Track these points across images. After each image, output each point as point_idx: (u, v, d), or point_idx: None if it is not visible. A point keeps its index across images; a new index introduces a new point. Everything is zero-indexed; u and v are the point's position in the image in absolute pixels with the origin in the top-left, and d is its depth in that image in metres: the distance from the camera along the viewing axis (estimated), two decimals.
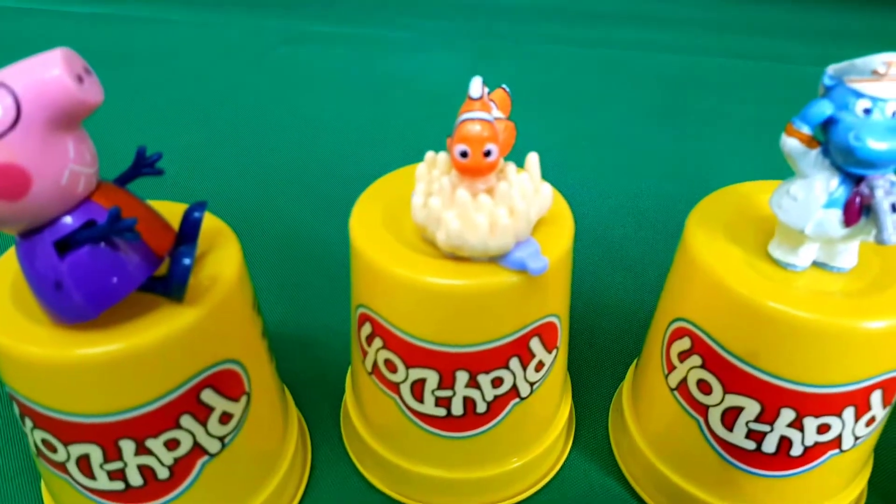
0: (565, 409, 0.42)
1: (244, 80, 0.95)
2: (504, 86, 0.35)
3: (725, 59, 1.03)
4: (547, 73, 0.98)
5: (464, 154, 0.30)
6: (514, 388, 0.36)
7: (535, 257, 0.32)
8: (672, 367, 0.37)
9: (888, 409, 0.34)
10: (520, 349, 0.35)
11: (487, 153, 0.30)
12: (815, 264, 0.33)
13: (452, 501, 0.41)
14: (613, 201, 0.69)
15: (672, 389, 0.37)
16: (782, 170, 0.33)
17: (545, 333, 0.36)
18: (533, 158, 0.34)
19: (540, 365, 0.36)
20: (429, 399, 0.36)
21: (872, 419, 0.33)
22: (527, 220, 0.32)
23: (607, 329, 0.53)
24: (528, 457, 0.40)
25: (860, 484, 0.38)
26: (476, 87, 0.31)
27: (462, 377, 0.35)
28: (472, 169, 0.31)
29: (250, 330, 0.36)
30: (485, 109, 0.31)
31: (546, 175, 0.34)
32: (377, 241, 0.34)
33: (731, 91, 0.93)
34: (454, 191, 0.32)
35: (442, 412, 0.36)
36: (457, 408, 0.36)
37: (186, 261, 0.30)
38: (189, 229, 0.32)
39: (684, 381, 0.36)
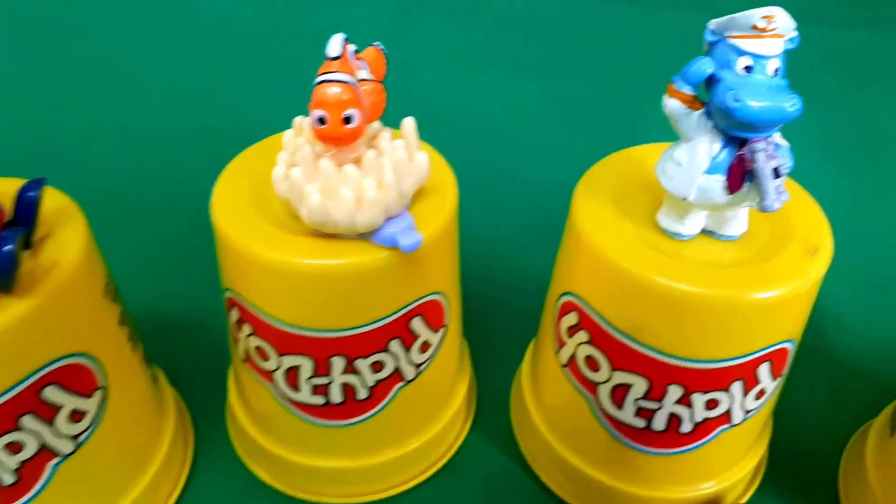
0: (461, 389, 0.41)
1: (115, 31, 0.85)
2: (377, 43, 0.32)
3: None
4: (484, 31, 0.90)
5: (321, 120, 0.28)
6: (398, 371, 0.34)
7: (407, 233, 0.29)
8: (562, 343, 0.35)
9: (779, 380, 0.33)
10: (400, 330, 0.33)
11: (348, 119, 0.28)
12: (704, 232, 0.32)
13: (342, 490, 0.38)
14: (558, 170, 0.65)
15: (563, 366, 0.35)
16: None
17: (428, 312, 0.33)
18: (409, 124, 0.31)
19: (425, 346, 0.34)
20: (305, 387, 0.33)
21: (762, 392, 0.32)
22: (398, 192, 0.29)
23: (527, 304, 0.51)
24: (419, 440, 0.38)
25: (756, 455, 0.37)
26: (335, 45, 0.28)
27: (338, 363, 0.32)
28: (331, 136, 0.28)
29: (102, 318, 0.32)
30: (345, 70, 0.28)
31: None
32: (239, 218, 0.31)
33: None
34: (318, 161, 0.29)
35: (320, 400, 0.34)
36: (335, 395, 0.34)
37: (7, 247, 0.27)
38: (23, 211, 0.29)
39: (573, 357, 0.34)
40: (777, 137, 0.29)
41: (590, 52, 0.85)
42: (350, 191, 0.28)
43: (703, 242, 0.31)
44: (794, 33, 0.28)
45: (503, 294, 0.51)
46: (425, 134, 0.32)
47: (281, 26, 0.88)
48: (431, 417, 0.39)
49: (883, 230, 0.57)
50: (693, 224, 0.31)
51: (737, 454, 0.36)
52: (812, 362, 0.46)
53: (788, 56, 0.28)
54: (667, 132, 0.30)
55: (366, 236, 0.30)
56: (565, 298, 0.34)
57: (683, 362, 0.31)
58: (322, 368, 0.32)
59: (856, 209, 0.59)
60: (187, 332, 0.48)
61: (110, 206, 0.53)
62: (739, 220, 0.31)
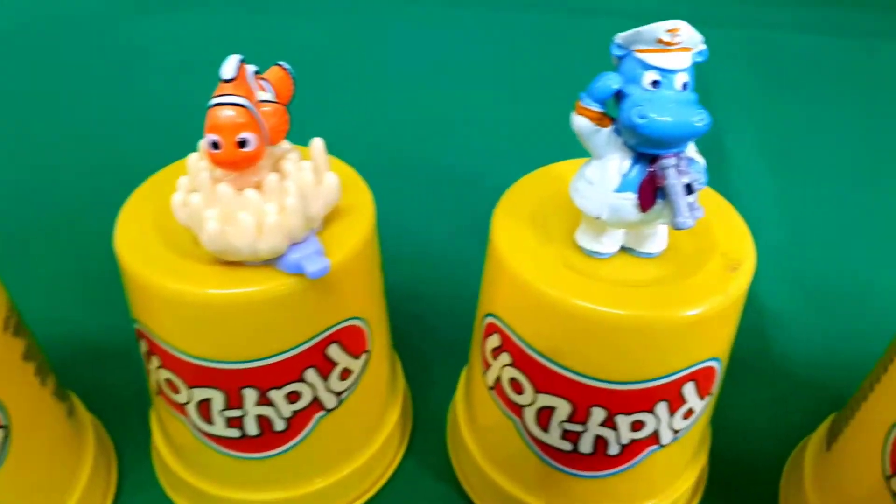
0: (393, 414, 0.39)
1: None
2: (282, 63, 0.31)
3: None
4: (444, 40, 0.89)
5: (215, 145, 0.26)
6: (316, 400, 0.33)
7: (313, 259, 0.28)
8: (488, 365, 0.34)
9: (708, 399, 0.32)
10: (315, 359, 0.31)
11: (242, 143, 0.26)
12: (624, 250, 0.31)
13: None
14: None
15: (490, 388, 0.34)
16: None
17: (346, 338, 0.32)
18: (317, 144, 0.30)
19: (346, 373, 0.33)
20: (218, 420, 0.32)
21: (690, 411, 0.32)
22: (303, 216, 0.28)
23: (468, 323, 0.50)
24: (347, 469, 0.37)
25: (694, 472, 0.37)
26: (229, 66, 0.27)
27: (251, 395, 0.31)
28: (226, 161, 0.27)
29: (2, 354, 0.31)
30: (240, 92, 0.27)
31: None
32: (142, 246, 0.30)
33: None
34: (216, 185, 0.28)
35: (236, 433, 0.33)
36: (251, 427, 0.32)
37: None
38: None
39: (499, 379, 0.33)
40: (692, 152, 0.28)
41: (540, 60, 0.84)
42: (250, 216, 0.27)
43: (622, 260, 0.30)
44: (703, 46, 0.27)
45: (442, 312, 0.50)
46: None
47: (210, 49, 0.87)
48: (361, 445, 0.37)
49: (826, 236, 0.57)
50: (611, 242, 0.30)
51: (672, 473, 0.35)
52: (754, 373, 0.45)
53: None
54: None
55: (271, 263, 0.29)
56: (488, 320, 0.33)
57: (604, 384, 0.30)
58: (234, 401, 0.31)
59: (799, 216, 0.59)
60: (112, 359, 0.46)
61: (9, 234, 0.52)
62: (659, 236, 0.30)
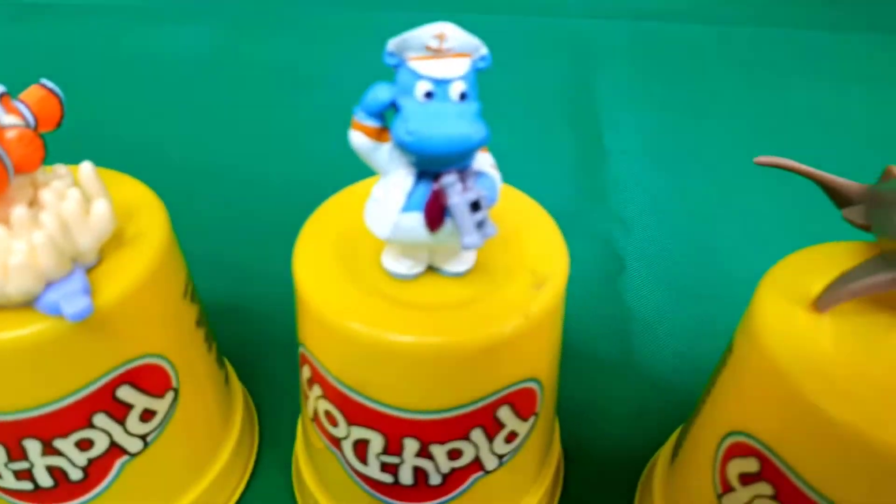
0: (226, 449, 0.37)
1: None
2: (44, 81, 0.28)
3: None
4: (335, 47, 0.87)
5: None
6: (114, 446, 0.30)
7: (72, 299, 0.26)
8: (306, 396, 0.32)
9: (532, 419, 0.31)
10: (104, 403, 0.29)
11: None
12: (432, 269, 0.29)
13: None
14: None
15: (311, 420, 0.32)
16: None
17: (143, 378, 0.30)
18: (86, 170, 0.28)
19: (148, 414, 0.31)
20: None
21: (513, 434, 0.30)
22: (58, 252, 0.26)
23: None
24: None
25: (535, 496, 0.35)
26: None
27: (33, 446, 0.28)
28: None
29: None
30: None
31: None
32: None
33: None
34: None
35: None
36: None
37: None
38: None
39: (316, 411, 0.31)
40: (487, 166, 0.27)
41: None
42: None
43: (428, 281, 0.28)
44: (484, 51, 0.25)
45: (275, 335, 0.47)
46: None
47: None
48: (188, 484, 0.35)
49: (704, 234, 0.56)
50: (413, 263, 0.28)
51: (508, 497, 0.34)
52: (618, 380, 0.44)
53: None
54: None
55: (29, 304, 0.26)
56: (300, 350, 0.31)
57: (412, 415, 0.28)
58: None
59: (679, 212, 0.58)
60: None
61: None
62: (465, 254, 0.28)
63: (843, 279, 0.26)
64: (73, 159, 0.30)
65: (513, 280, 0.28)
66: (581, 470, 0.39)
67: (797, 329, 0.26)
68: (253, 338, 0.46)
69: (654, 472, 0.36)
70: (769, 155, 0.31)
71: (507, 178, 0.62)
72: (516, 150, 0.63)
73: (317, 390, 0.30)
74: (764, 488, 0.27)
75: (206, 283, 0.42)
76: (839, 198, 0.30)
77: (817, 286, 0.27)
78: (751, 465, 0.27)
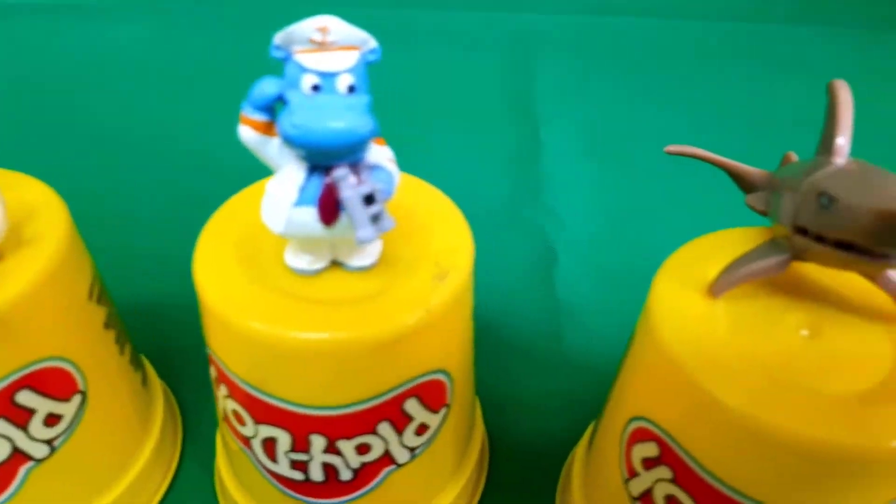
0: (143, 455, 0.36)
1: None
2: None
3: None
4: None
5: None
6: (17, 451, 0.29)
7: None
8: (216, 397, 0.31)
9: (444, 410, 0.31)
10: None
11: None
12: (337, 263, 0.29)
13: None
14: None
15: (223, 420, 0.32)
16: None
17: (44, 383, 0.29)
18: None
19: (53, 419, 0.30)
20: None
21: (424, 427, 0.30)
22: None
23: None
24: None
25: (455, 487, 0.35)
26: None
27: None
28: None
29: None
30: None
31: None
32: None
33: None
34: None
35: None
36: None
37: None
38: None
39: (225, 411, 0.31)
40: (384, 159, 0.27)
41: None
42: None
43: (332, 276, 0.28)
44: (374, 44, 0.25)
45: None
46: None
47: None
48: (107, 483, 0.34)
49: (639, 225, 0.56)
50: (316, 258, 0.28)
51: (427, 489, 0.34)
52: (546, 371, 0.44)
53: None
54: None
55: None
56: (207, 350, 0.30)
57: (316, 411, 0.28)
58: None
59: (614, 204, 0.58)
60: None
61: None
62: (368, 249, 0.28)
63: (736, 264, 0.26)
64: None
65: (417, 273, 0.28)
66: (508, 461, 0.40)
67: (692, 315, 0.26)
68: (175, 336, 0.45)
69: (574, 461, 0.36)
70: (693, 146, 0.32)
71: (444, 172, 0.62)
72: (453, 146, 0.63)
73: (223, 390, 0.30)
74: (664, 472, 0.27)
75: (125, 282, 0.41)
76: (745, 184, 0.31)
77: (714, 272, 0.27)
78: (651, 450, 0.27)
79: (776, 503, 0.24)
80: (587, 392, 0.43)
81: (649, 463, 0.28)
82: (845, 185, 0.22)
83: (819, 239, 0.23)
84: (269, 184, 0.26)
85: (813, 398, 0.23)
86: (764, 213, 0.28)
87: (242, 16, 0.86)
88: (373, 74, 0.26)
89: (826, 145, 0.25)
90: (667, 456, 0.27)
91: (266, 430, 0.29)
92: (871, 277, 0.25)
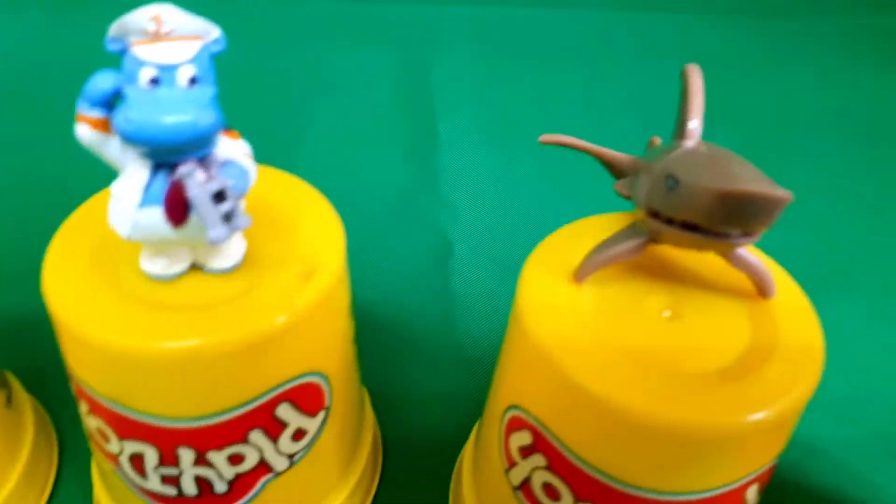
0: (13, 473, 0.34)
1: None
2: None
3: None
4: None
5: None
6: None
7: None
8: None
9: (323, 413, 0.30)
10: None
11: None
12: (197, 266, 0.27)
13: None
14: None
15: (90, 438, 0.30)
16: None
17: None
18: None
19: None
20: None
21: (301, 432, 0.29)
22: None
23: None
24: None
25: (345, 489, 0.34)
26: None
27: None
28: None
29: None
30: None
31: None
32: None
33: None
34: None
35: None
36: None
37: None
38: None
39: (89, 428, 0.29)
40: (237, 154, 0.25)
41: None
42: None
43: (193, 280, 0.27)
44: (217, 33, 0.24)
45: None
46: None
47: None
48: None
49: (538, 214, 0.57)
50: (172, 262, 0.26)
51: (312, 495, 0.33)
52: (437, 365, 0.44)
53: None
54: None
55: None
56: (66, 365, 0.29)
57: (180, 423, 0.26)
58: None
59: (514, 194, 0.58)
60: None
61: None
62: (229, 249, 0.27)
63: (597, 249, 0.26)
64: None
65: (283, 272, 0.27)
66: (403, 458, 0.39)
67: (557, 302, 0.26)
68: (52, 350, 0.42)
69: (465, 454, 0.36)
70: (567, 135, 0.32)
71: (338, 167, 0.62)
72: (348, 140, 0.62)
73: (84, 406, 0.28)
74: (539, 460, 0.27)
75: None
76: (615, 170, 0.31)
77: (579, 258, 0.27)
78: (525, 438, 0.27)
79: (646, 484, 0.25)
80: (480, 384, 0.43)
81: (525, 451, 0.28)
82: (689, 168, 0.23)
83: (669, 221, 0.24)
84: (114, 185, 0.25)
85: (673, 379, 0.24)
86: (629, 198, 0.29)
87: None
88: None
89: (680, 129, 0.26)
90: (540, 443, 0.27)
91: (132, 446, 0.28)
92: (725, 256, 0.26)
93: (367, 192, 0.56)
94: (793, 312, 0.26)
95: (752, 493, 0.26)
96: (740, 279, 0.27)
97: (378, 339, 0.45)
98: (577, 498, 0.26)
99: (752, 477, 0.25)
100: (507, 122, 0.67)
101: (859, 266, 0.54)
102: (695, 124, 0.26)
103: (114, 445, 0.28)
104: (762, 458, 0.25)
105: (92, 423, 0.28)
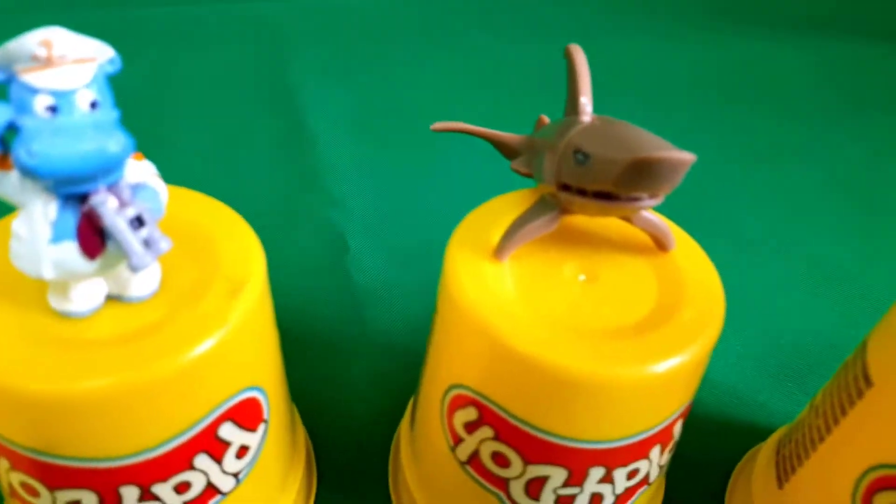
0: None
1: None
2: None
3: None
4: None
5: None
6: None
7: None
8: None
9: (264, 427, 0.29)
10: None
11: None
12: (113, 298, 0.26)
13: None
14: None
15: (9, 496, 0.28)
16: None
17: None
18: None
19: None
20: None
21: (244, 449, 0.29)
22: None
23: None
24: None
25: (288, 498, 0.34)
26: None
27: None
28: None
29: None
30: None
31: None
32: None
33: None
34: None
35: None
36: None
37: None
38: None
39: (11, 485, 0.27)
40: (149, 176, 0.24)
41: None
42: None
43: (111, 311, 0.26)
44: (110, 53, 0.23)
45: None
46: None
47: None
48: None
49: (417, 201, 0.58)
50: (85, 297, 0.25)
51: None
52: (356, 358, 0.44)
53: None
54: None
55: None
56: None
57: (118, 462, 0.25)
58: None
59: (390, 184, 0.59)
60: None
61: None
62: (144, 276, 0.26)
63: (513, 227, 0.28)
64: None
65: (207, 292, 0.27)
66: (337, 456, 0.39)
67: (484, 279, 0.27)
68: None
69: (400, 441, 0.37)
70: (457, 122, 0.33)
71: (215, 175, 0.59)
72: (218, 145, 0.60)
73: (4, 463, 0.26)
74: (486, 432, 0.28)
75: None
76: (507, 151, 0.33)
77: (497, 236, 0.29)
78: (471, 414, 0.28)
79: (590, 436, 0.27)
80: (399, 371, 0.44)
81: (471, 427, 0.29)
82: (596, 141, 0.25)
83: (580, 192, 0.25)
84: (15, 223, 0.23)
85: (597, 335, 0.26)
86: (529, 176, 0.31)
87: None
88: (112, 82, 0.23)
89: (572, 105, 0.28)
90: (486, 416, 0.28)
91: (66, 496, 0.26)
92: (629, 220, 0.28)
93: (249, 196, 0.55)
94: (691, 262, 0.29)
95: (677, 428, 0.29)
96: (642, 238, 0.30)
97: (289, 344, 0.44)
98: (526, 461, 0.28)
99: (678, 413, 0.28)
100: (378, 110, 0.68)
101: (724, 212, 0.60)
102: (585, 100, 0.28)
103: (44, 499, 0.26)
104: (685, 396, 0.28)
105: (15, 479, 0.26)
